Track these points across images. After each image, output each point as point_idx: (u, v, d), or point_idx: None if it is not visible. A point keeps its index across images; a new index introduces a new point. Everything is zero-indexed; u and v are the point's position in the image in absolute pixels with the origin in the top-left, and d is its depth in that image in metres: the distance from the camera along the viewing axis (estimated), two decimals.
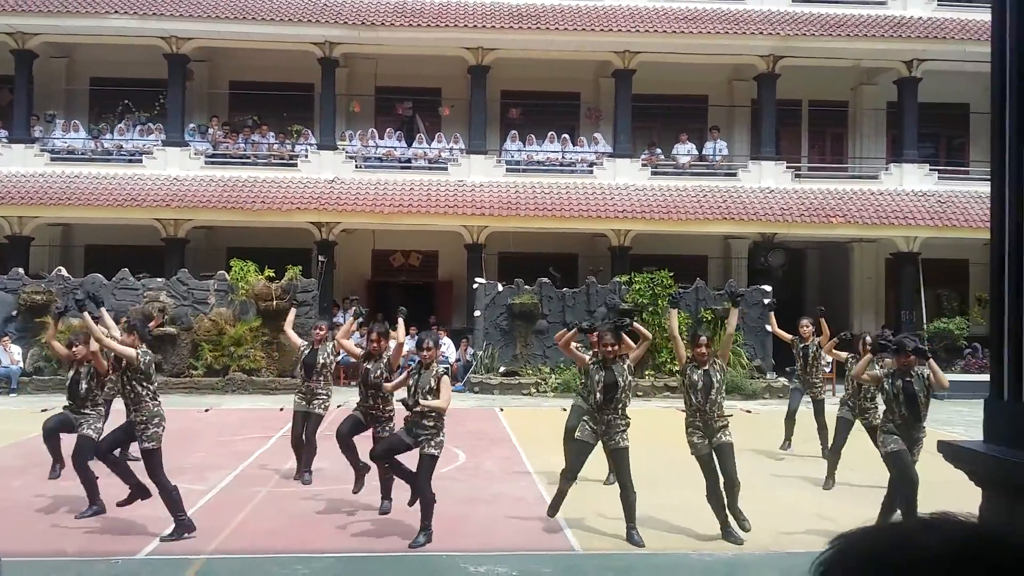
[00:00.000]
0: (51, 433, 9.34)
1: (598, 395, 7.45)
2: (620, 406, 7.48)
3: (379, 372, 8.23)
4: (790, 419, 11.86)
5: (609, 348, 7.51)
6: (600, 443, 7.58)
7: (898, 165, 22.99)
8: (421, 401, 7.30)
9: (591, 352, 8.33)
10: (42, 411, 15.68)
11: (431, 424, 7.38)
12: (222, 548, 7.36)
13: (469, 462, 11.13)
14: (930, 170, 23.01)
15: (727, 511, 7.58)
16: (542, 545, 7.59)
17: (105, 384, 9.02)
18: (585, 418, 7.77)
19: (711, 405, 7.62)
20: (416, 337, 8.73)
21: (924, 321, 21.55)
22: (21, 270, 19.44)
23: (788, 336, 12.04)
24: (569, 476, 7.69)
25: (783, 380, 19.21)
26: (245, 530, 7.89)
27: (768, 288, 20.28)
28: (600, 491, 9.26)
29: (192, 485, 9.60)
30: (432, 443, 7.36)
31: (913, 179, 22.75)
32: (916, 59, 22.58)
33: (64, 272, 19.53)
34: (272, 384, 18.12)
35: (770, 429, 13.53)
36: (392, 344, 8.80)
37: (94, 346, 8.37)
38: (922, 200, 22.13)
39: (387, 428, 8.29)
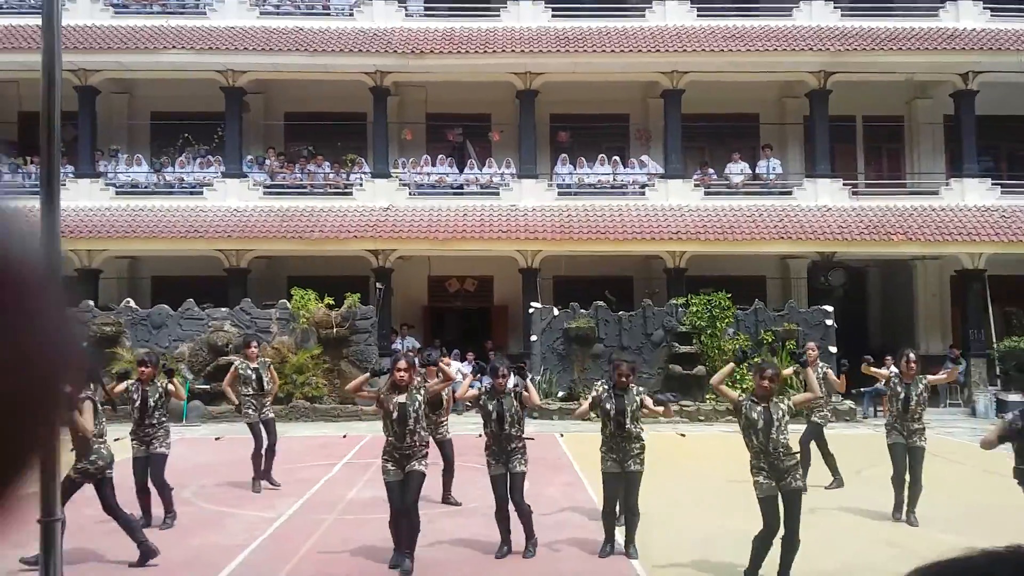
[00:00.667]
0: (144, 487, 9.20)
1: (611, 424, 7.91)
2: (633, 429, 7.87)
3: (417, 405, 7.42)
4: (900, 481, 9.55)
5: (622, 380, 7.96)
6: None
7: (958, 180, 22.51)
8: (521, 433, 7.91)
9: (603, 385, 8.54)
10: (115, 440, 16.05)
11: (521, 445, 7.93)
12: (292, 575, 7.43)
13: (531, 489, 11.04)
14: (992, 184, 22.49)
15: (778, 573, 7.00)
16: (608, 572, 7.52)
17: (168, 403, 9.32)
18: (603, 450, 8.03)
19: (774, 445, 6.95)
20: (491, 365, 8.45)
21: (993, 339, 20.99)
22: (91, 302, 19.95)
23: (884, 372, 10.83)
24: (608, 510, 7.95)
25: (849, 403, 18.85)
26: (314, 558, 7.95)
27: (829, 308, 19.96)
28: (669, 520, 9.16)
29: (261, 513, 9.73)
30: (523, 460, 7.92)
31: (975, 194, 22.25)
32: (971, 71, 22.17)
33: (132, 303, 20.01)
34: (334, 411, 18.30)
35: (838, 453, 13.27)
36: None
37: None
38: (985, 215, 21.63)
39: (423, 463, 7.51)
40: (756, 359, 9.45)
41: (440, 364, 9.46)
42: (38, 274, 0.62)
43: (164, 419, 9.19)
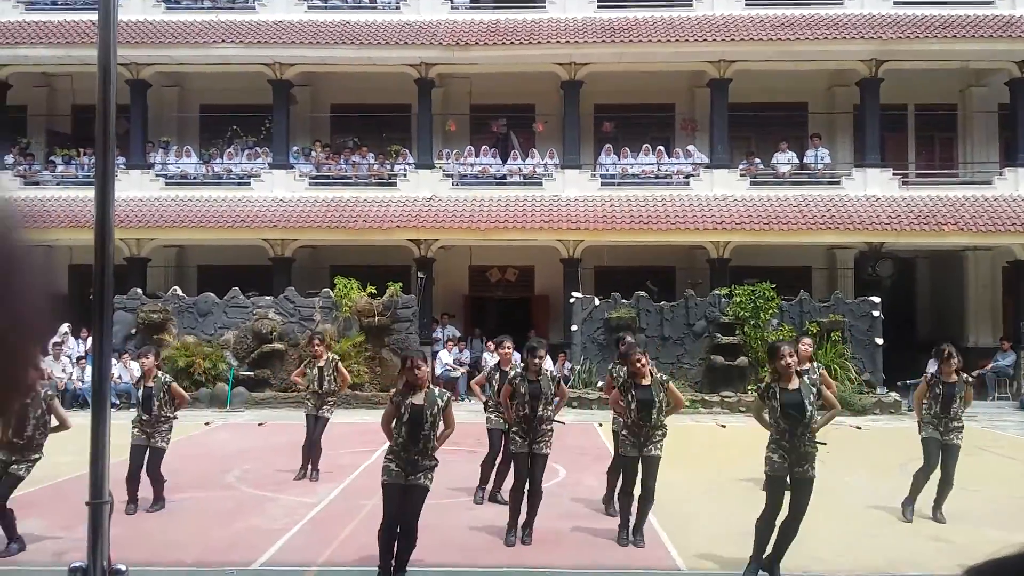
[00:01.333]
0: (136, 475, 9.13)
1: (632, 414, 7.83)
2: (658, 419, 7.80)
3: (435, 410, 6.73)
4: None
5: (638, 367, 7.85)
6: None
7: (1013, 169, 21.96)
8: (551, 415, 7.88)
9: (624, 375, 8.35)
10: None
11: (549, 428, 7.89)
12: (332, 560, 7.55)
13: (570, 478, 11.11)
14: None
15: (769, 556, 6.89)
16: (646, 563, 7.52)
17: (175, 399, 9.31)
18: (624, 433, 8.02)
19: (802, 428, 6.71)
20: (527, 344, 8.19)
21: None
22: (139, 290, 20.40)
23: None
24: (627, 491, 7.98)
25: (894, 395, 18.57)
26: (354, 542, 8.06)
27: (876, 299, 19.65)
28: (708, 512, 9.13)
29: (302, 498, 9.89)
30: (549, 443, 7.89)
31: None
32: None
33: (179, 291, 20.40)
34: (375, 399, 18.46)
35: (880, 447, 13.11)
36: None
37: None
38: None
39: (429, 478, 6.82)
40: None
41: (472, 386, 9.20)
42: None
43: (168, 414, 9.20)
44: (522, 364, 8.16)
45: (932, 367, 19.62)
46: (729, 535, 8.30)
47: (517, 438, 7.88)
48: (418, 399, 6.70)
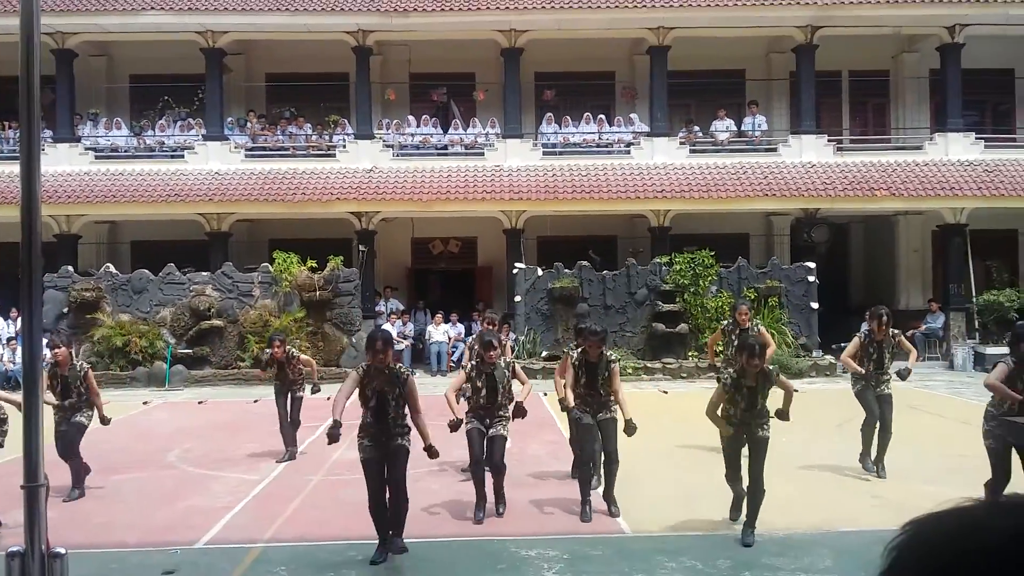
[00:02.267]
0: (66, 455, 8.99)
1: (582, 386, 8.02)
2: (604, 389, 7.97)
3: (397, 392, 6.81)
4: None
5: (595, 343, 7.95)
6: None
7: (943, 134, 22.52)
8: (517, 403, 7.97)
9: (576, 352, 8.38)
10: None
11: (507, 414, 8.00)
12: (277, 536, 7.50)
13: (515, 447, 11.13)
14: (976, 138, 22.50)
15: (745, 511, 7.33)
16: (592, 528, 7.62)
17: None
18: (576, 403, 8.11)
19: (753, 415, 7.26)
20: (485, 338, 8.06)
21: (973, 293, 21.18)
22: (70, 268, 19.84)
23: (856, 368, 9.63)
24: (585, 461, 8.13)
25: (829, 358, 19.03)
26: (299, 518, 8.03)
27: (812, 265, 20.06)
28: (647, 476, 9.27)
29: (245, 475, 9.79)
30: (506, 427, 8.00)
31: (958, 148, 22.27)
32: (958, 24, 22.04)
33: (112, 269, 19.91)
34: (318, 374, 18.28)
35: (817, 408, 13.44)
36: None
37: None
38: (968, 170, 21.67)
39: (407, 439, 6.95)
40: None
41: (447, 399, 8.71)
42: None
43: (85, 397, 8.99)
44: (477, 357, 8.04)
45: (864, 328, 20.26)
46: (672, 499, 8.46)
47: (473, 418, 7.93)
48: (379, 382, 6.78)
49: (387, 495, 6.86)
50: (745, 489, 7.25)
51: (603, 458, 8.12)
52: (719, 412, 7.31)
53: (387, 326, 20.68)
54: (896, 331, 9.81)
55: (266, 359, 11.36)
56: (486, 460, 7.89)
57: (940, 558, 0.87)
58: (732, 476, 7.43)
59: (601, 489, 8.14)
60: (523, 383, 8.17)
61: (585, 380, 7.99)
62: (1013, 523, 0.86)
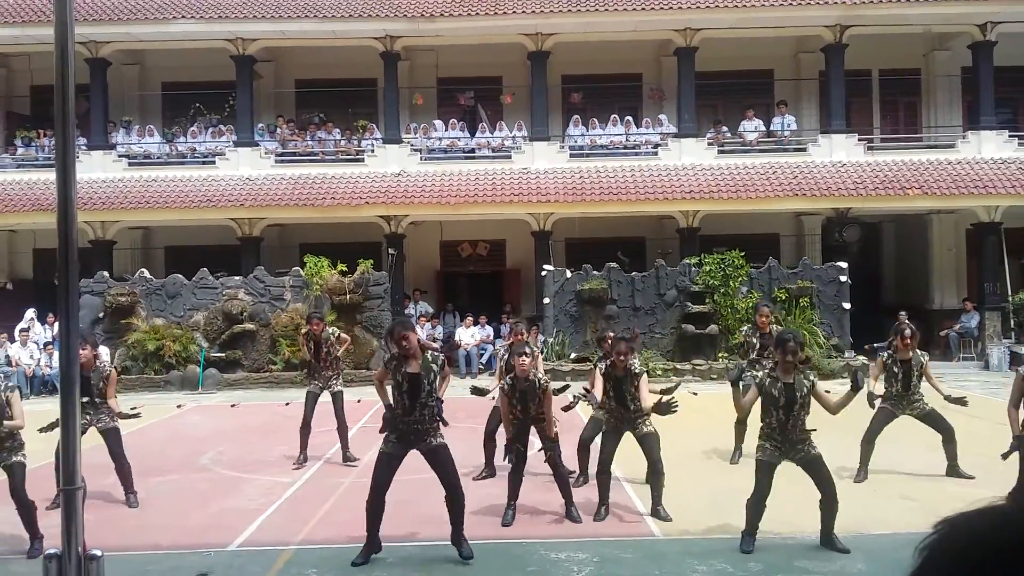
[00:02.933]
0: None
1: (612, 401, 7.95)
2: (634, 403, 7.88)
3: (432, 376, 6.87)
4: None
5: (621, 358, 7.86)
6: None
7: (975, 132, 22.22)
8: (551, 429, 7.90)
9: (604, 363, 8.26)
10: (131, 409, 16.28)
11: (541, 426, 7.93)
12: (309, 539, 7.57)
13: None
14: (1009, 136, 22.18)
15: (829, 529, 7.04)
16: (621, 531, 7.62)
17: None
18: (606, 417, 8.09)
19: (793, 423, 6.90)
20: (513, 348, 8.05)
21: (1008, 292, 20.86)
22: (106, 273, 20.13)
23: (875, 373, 9.53)
24: (603, 470, 7.97)
25: (862, 359, 18.83)
26: (331, 520, 8.09)
27: (844, 265, 19.88)
28: (677, 479, 9.23)
29: (277, 478, 9.88)
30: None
31: (991, 146, 21.97)
32: (990, 22, 21.76)
33: (147, 274, 20.17)
34: (348, 376, 18.40)
35: (851, 409, 13.27)
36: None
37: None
38: (1002, 168, 21.37)
39: (440, 437, 7.00)
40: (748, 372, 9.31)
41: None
42: None
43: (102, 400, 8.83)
44: (510, 374, 7.90)
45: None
46: (702, 501, 8.43)
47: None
48: (412, 368, 6.78)
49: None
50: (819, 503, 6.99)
51: (650, 469, 8.11)
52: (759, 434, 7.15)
53: (416, 328, 20.81)
54: (924, 355, 9.15)
55: (303, 334, 11.19)
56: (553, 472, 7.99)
57: (972, 557, 0.87)
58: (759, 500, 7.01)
59: (649, 504, 8.07)
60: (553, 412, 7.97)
61: (614, 395, 7.93)
62: None
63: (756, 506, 7.01)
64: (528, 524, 7.84)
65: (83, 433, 8.70)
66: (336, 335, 11.24)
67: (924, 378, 9.12)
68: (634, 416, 7.92)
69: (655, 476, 8.00)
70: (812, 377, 7.05)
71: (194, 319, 19.42)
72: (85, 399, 8.77)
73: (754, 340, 10.18)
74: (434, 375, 6.84)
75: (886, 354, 9.24)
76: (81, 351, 8.49)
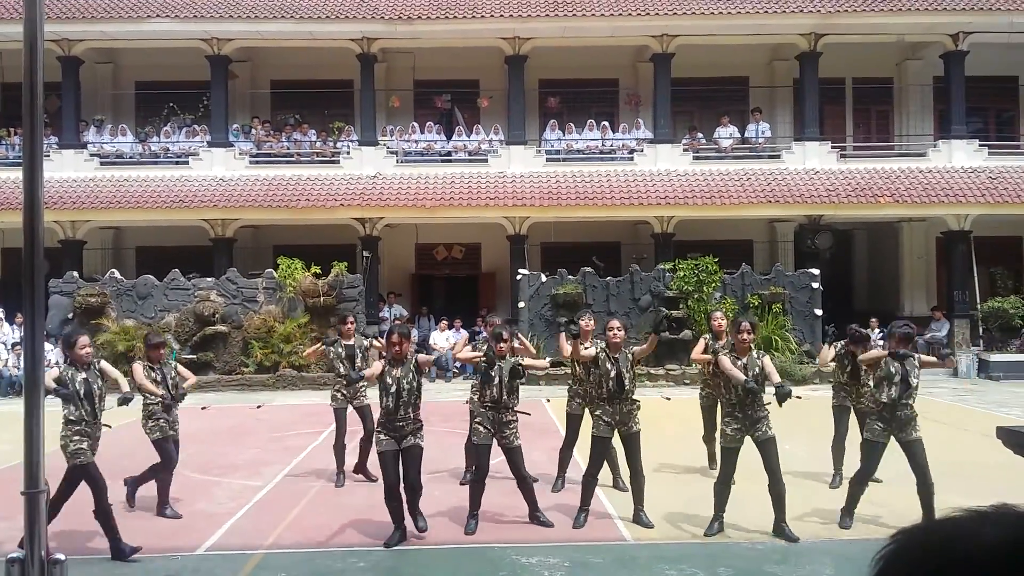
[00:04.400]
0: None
1: (611, 384, 7.71)
2: (631, 393, 7.81)
3: (411, 378, 7.38)
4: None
5: (615, 333, 7.84)
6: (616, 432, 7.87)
7: (946, 141, 22.50)
8: (515, 408, 7.79)
9: (594, 345, 8.16)
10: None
11: (515, 419, 7.80)
12: (278, 543, 7.51)
13: None
14: (980, 145, 22.49)
15: (779, 513, 7.47)
16: (593, 536, 7.62)
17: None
18: (598, 413, 7.85)
19: (751, 397, 7.37)
20: (494, 329, 8.05)
21: (978, 300, 21.14)
22: (75, 273, 19.90)
23: (876, 354, 8.14)
24: (594, 473, 7.88)
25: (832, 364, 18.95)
26: (300, 525, 8.03)
27: (816, 271, 20.05)
28: (649, 483, 9.24)
29: (247, 481, 9.79)
30: (517, 435, 7.83)
31: (962, 155, 22.27)
32: (962, 32, 22.06)
33: (117, 274, 19.96)
34: (321, 380, 18.31)
35: (820, 414, 13.39)
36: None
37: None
38: (972, 176, 21.65)
39: (420, 436, 7.48)
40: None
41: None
42: None
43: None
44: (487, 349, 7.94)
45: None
46: (676, 506, 8.45)
47: (481, 428, 7.76)
48: (398, 372, 7.35)
49: (401, 487, 7.34)
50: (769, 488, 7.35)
51: (631, 472, 7.94)
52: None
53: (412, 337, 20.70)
54: (917, 356, 8.02)
55: (333, 340, 9.85)
56: (515, 475, 7.84)
57: (926, 568, 0.87)
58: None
59: (619, 508, 8.04)
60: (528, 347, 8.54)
61: (614, 381, 7.67)
62: (1000, 533, 0.87)
63: (722, 489, 7.45)
64: (500, 529, 7.82)
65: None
66: (368, 347, 10.05)
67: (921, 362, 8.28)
68: (629, 405, 7.73)
69: (636, 479, 7.87)
70: (763, 357, 7.57)
71: (165, 320, 19.23)
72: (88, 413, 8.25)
73: (716, 346, 10.05)
74: (414, 375, 7.39)
75: (840, 344, 9.51)
76: (80, 352, 7.46)
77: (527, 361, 8.13)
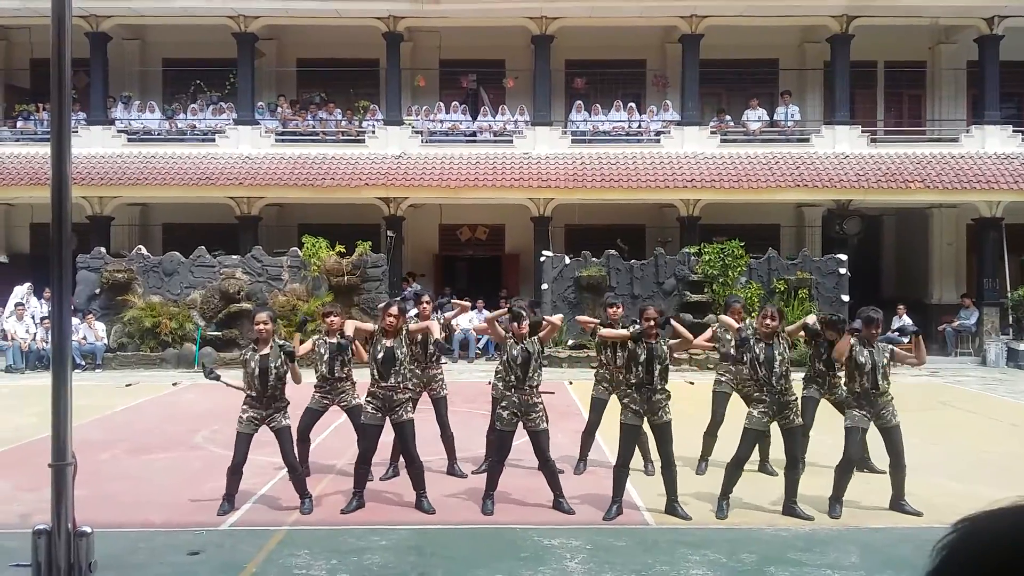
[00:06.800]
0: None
1: (641, 370, 7.51)
2: (662, 380, 7.60)
3: (404, 348, 7.82)
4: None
5: (652, 323, 7.51)
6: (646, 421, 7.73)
7: (979, 127, 22.13)
8: (538, 386, 7.81)
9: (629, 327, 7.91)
10: (127, 386, 16.27)
11: (540, 402, 7.79)
12: (301, 520, 7.54)
13: None
14: (1013, 131, 22.10)
15: (789, 496, 7.65)
16: (616, 520, 7.58)
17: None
18: (625, 400, 7.68)
19: (776, 378, 7.56)
20: (513, 308, 7.92)
21: (1007, 288, 20.83)
22: (103, 249, 20.06)
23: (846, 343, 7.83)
24: (624, 463, 7.66)
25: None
26: (323, 502, 8.06)
27: (843, 257, 19.83)
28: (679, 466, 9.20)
29: (271, 458, 9.82)
30: (545, 417, 7.85)
31: (995, 141, 21.89)
32: (997, 16, 21.64)
33: (144, 251, 20.10)
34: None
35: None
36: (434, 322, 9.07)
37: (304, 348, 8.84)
38: (1005, 163, 21.29)
39: (409, 409, 7.78)
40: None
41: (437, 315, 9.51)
42: None
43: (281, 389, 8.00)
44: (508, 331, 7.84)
45: (896, 323, 19.77)
46: (697, 491, 8.40)
47: (505, 414, 7.72)
48: (389, 342, 7.72)
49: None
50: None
51: (663, 463, 7.70)
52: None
53: (414, 311, 20.72)
54: (889, 347, 7.78)
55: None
56: (539, 458, 7.80)
57: (995, 558, 0.83)
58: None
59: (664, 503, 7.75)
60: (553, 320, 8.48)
61: (644, 368, 7.46)
62: None
63: (734, 472, 7.68)
64: (523, 510, 7.81)
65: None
66: (351, 341, 8.85)
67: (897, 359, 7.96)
68: (659, 396, 7.52)
69: (668, 470, 7.63)
70: (785, 342, 7.78)
71: (191, 297, 19.36)
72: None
73: (728, 337, 9.79)
74: (406, 346, 7.86)
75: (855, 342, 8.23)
76: (262, 327, 7.84)
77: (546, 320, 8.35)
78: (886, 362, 7.65)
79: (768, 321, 7.68)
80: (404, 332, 7.93)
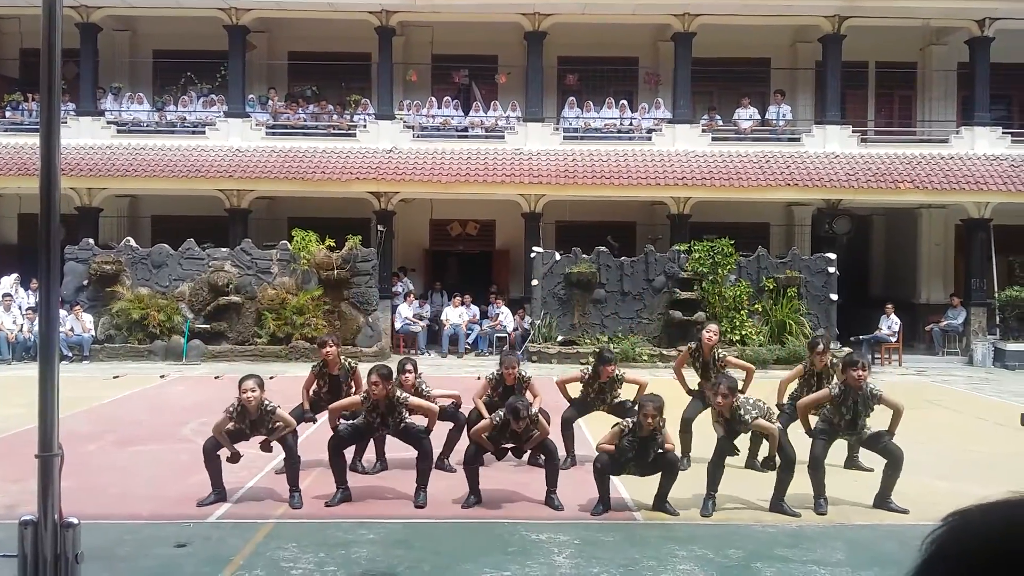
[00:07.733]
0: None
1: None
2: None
3: (399, 418, 7.96)
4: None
5: (649, 421, 7.49)
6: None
7: (969, 128, 22.23)
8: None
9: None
10: (114, 377, 16.22)
11: (533, 431, 7.92)
12: (289, 514, 7.54)
13: None
14: (1003, 133, 22.20)
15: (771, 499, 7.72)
16: (603, 515, 7.60)
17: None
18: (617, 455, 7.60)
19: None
20: (510, 406, 7.69)
21: (995, 289, 20.95)
22: (91, 240, 19.97)
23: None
24: (606, 463, 7.67)
25: (847, 350, 18.89)
26: (311, 496, 8.06)
27: (832, 256, 19.91)
28: None
29: (258, 451, 9.81)
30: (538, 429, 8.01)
31: (985, 142, 21.99)
32: (988, 18, 21.72)
33: (132, 242, 20.01)
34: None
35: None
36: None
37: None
38: (994, 164, 21.40)
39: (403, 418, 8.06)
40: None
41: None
42: None
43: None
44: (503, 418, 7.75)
45: (884, 322, 19.85)
46: (685, 486, 8.41)
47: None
48: (384, 410, 7.88)
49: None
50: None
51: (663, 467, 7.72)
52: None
53: (403, 307, 20.73)
54: (874, 386, 7.82)
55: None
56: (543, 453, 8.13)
57: (984, 553, 0.83)
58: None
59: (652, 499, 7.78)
60: (535, 395, 8.65)
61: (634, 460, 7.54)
62: None
63: (716, 468, 7.75)
64: (512, 506, 7.82)
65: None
66: (351, 373, 9.29)
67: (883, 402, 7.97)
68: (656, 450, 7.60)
69: (670, 472, 7.71)
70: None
71: (179, 289, 19.30)
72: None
73: (698, 364, 9.76)
74: (403, 418, 7.94)
75: (838, 388, 8.01)
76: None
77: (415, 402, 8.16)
78: (870, 412, 7.83)
79: (857, 373, 7.70)
80: (397, 398, 7.80)
